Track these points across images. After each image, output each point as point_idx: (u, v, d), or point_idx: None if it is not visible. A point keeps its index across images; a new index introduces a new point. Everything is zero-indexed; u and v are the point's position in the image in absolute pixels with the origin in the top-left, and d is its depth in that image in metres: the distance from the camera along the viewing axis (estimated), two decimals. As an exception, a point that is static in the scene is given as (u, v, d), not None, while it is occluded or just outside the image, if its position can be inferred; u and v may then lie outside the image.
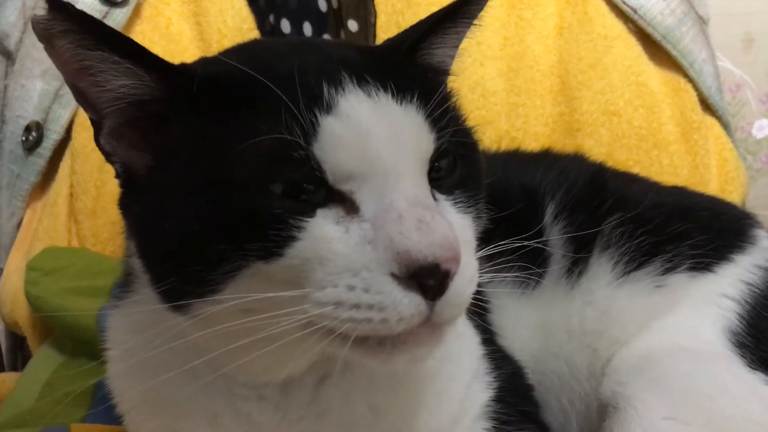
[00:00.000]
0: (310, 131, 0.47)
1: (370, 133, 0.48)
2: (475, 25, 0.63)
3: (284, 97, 0.47)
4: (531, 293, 0.76)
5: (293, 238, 0.47)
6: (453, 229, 0.48)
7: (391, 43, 0.61)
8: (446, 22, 0.60)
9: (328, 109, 0.48)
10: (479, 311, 0.67)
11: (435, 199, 0.52)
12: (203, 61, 0.59)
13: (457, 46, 0.62)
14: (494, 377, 0.66)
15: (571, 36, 1.30)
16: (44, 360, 0.95)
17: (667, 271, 0.75)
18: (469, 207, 0.54)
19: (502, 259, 0.74)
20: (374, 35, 1.26)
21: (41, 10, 0.48)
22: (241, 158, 0.47)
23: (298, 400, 0.58)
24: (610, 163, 0.97)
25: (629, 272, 0.75)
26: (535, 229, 0.75)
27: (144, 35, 1.20)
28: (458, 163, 0.54)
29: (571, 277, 0.76)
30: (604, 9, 1.28)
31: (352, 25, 1.21)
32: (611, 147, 1.22)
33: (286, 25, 1.19)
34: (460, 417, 0.63)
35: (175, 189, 0.50)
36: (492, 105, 1.27)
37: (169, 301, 0.51)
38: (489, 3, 1.25)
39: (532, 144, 1.23)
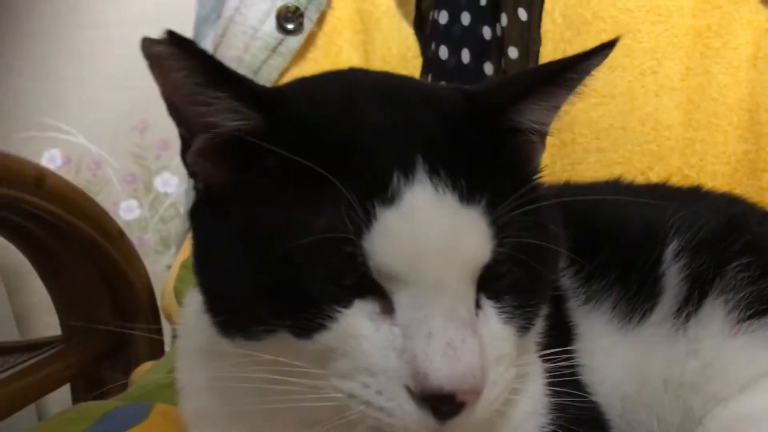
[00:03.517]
0: (365, 223, 0.45)
1: (424, 239, 0.46)
2: (579, 92, 0.56)
3: (347, 186, 0.45)
4: (632, 329, 0.68)
5: (324, 327, 0.46)
6: (482, 354, 0.46)
7: (480, 97, 0.55)
8: (543, 86, 0.54)
9: (391, 200, 0.46)
10: (561, 336, 0.61)
11: (479, 306, 0.49)
12: (300, 95, 0.55)
13: (557, 107, 0.56)
14: (553, 420, 0.59)
15: (766, 67, 1.17)
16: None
17: None
18: (516, 315, 0.50)
19: (602, 283, 0.68)
20: (536, 63, 1.22)
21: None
22: (296, 234, 0.46)
23: None
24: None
25: (745, 320, 0.65)
26: (649, 260, 0.68)
27: (316, 62, 1.27)
28: (515, 269, 0.50)
29: (680, 320, 0.67)
30: (808, 38, 1.14)
31: (512, 53, 1.19)
32: (803, 191, 1.07)
33: (444, 52, 1.20)
34: None
35: (236, 228, 0.50)
36: (665, 139, 1.17)
37: (215, 328, 0.53)
38: (672, 31, 1.21)
39: (708, 183, 1.11)
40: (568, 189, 0.84)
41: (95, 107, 1.80)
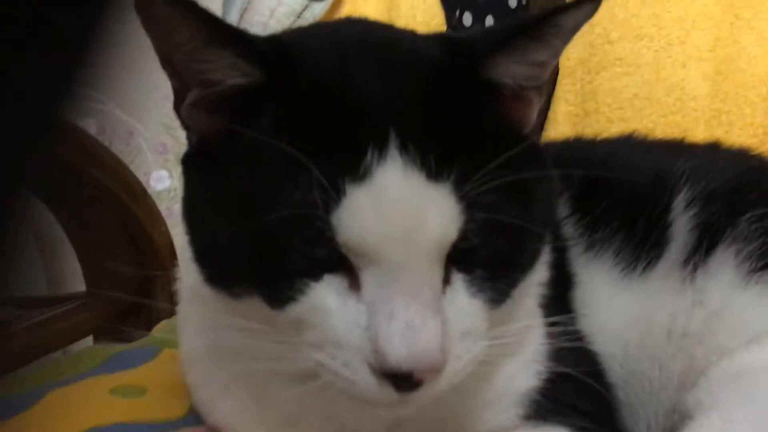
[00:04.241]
0: (334, 198, 0.45)
1: (390, 218, 0.46)
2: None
3: (320, 163, 0.45)
4: (636, 277, 0.66)
5: (294, 299, 0.48)
6: (444, 332, 0.46)
7: (458, 49, 0.53)
8: (517, 39, 0.51)
9: (362, 177, 0.46)
10: (560, 286, 0.61)
11: (449, 281, 0.48)
12: (299, 51, 0.53)
13: (539, 63, 0.52)
14: (549, 367, 0.59)
15: (799, 39, 1.14)
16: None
17: None
18: (487, 288, 0.50)
19: (606, 231, 0.67)
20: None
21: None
22: (270, 199, 0.47)
23: None
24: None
25: (756, 272, 0.63)
26: (657, 208, 0.67)
27: None
28: (488, 244, 0.49)
29: (687, 269, 0.65)
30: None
31: (538, 20, 1.18)
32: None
33: (468, 19, 1.19)
34: (492, 402, 0.59)
35: (222, 186, 0.50)
36: (691, 110, 1.15)
37: (205, 279, 0.53)
38: (701, 2, 1.18)
39: (734, 156, 1.09)
40: (578, 141, 0.83)
41: (128, 78, 1.83)
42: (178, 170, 1.99)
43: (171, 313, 1.20)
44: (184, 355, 0.67)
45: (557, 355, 0.60)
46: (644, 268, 0.66)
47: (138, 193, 1.13)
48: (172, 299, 0.81)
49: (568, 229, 0.68)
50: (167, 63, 0.51)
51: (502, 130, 0.52)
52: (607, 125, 1.18)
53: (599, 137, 0.83)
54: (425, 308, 0.46)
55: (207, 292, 0.54)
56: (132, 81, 1.88)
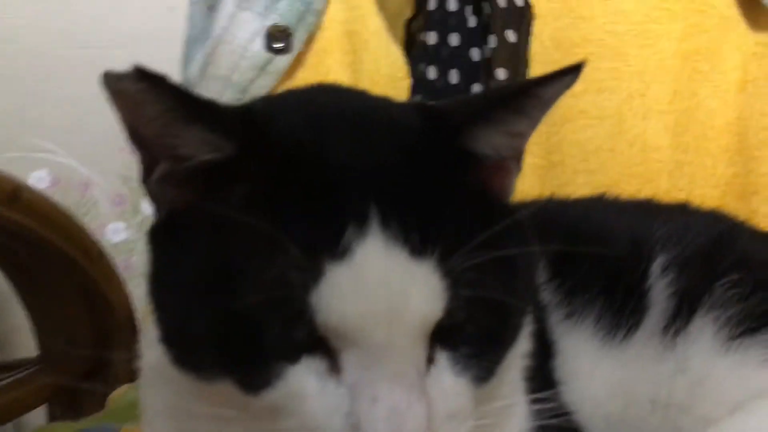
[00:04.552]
0: (312, 277, 0.43)
1: (372, 298, 0.44)
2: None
3: (298, 240, 0.43)
4: (616, 345, 0.66)
5: (269, 384, 0.45)
6: (430, 415, 0.44)
7: (436, 119, 0.52)
8: (497, 111, 0.50)
9: (342, 255, 0.43)
10: (541, 355, 0.59)
11: (432, 360, 0.46)
12: (271, 119, 0.52)
13: (519, 134, 0.52)
14: None
15: (755, 90, 1.17)
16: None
17: None
18: (473, 366, 0.48)
19: (585, 297, 0.66)
20: (525, 84, 1.23)
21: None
22: (244, 279, 0.44)
23: None
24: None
25: (735, 338, 0.63)
26: (634, 274, 0.67)
27: (305, 81, 1.24)
28: (473, 320, 0.47)
29: (668, 336, 0.65)
30: (797, 62, 1.14)
31: (501, 74, 1.18)
32: (794, 215, 1.06)
33: (432, 72, 1.20)
34: None
35: (191, 262, 0.48)
36: (654, 162, 1.17)
37: (169, 358, 0.50)
38: (660, 55, 1.21)
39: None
40: (551, 203, 0.83)
41: (84, 128, 1.79)
42: (135, 221, 1.95)
43: (129, 378, 1.16)
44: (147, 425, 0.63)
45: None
46: (624, 336, 0.66)
47: (95, 255, 1.09)
48: (131, 364, 0.78)
49: (547, 295, 0.67)
50: (135, 137, 0.49)
51: (484, 202, 0.51)
52: (573, 177, 1.18)
53: (571, 197, 0.83)
54: (410, 391, 0.43)
55: (173, 374, 0.50)
56: (88, 131, 1.85)
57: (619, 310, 0.66)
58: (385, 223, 0.44)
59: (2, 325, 1.67)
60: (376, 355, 0.44)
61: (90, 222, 1.67)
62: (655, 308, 0.66)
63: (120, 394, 1.04)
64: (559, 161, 1.21)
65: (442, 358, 0.47)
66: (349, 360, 0.44)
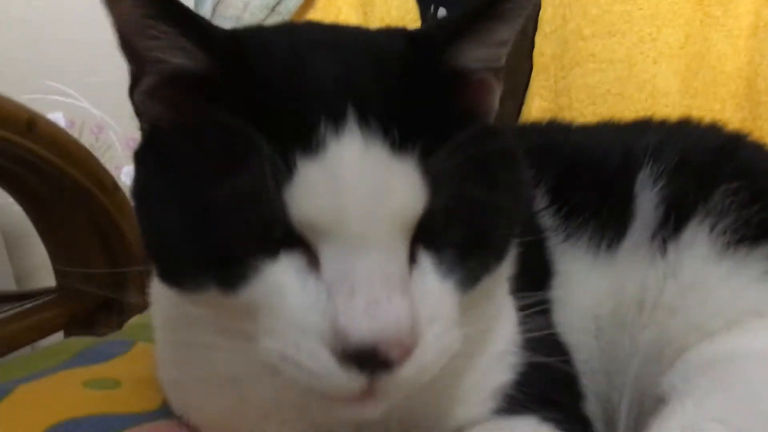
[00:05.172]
0: (284, 173, 0.43)
1: (346, 190, 0.43)
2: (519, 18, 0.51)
3: (271, 138, 0.44)
4: (605, 255, 0.66)
5: (248, 280, 0.45)
6: (411, 312, 0.43)
7: (419, 40, 0.52)
8: (478, 22, 0.50)
9: (316, 150, 0.43)
10: (536, 279, 0.61)
11: (415, 260, 0.46)
12: (251, 42, 0.52)
13: (501, 42, 0.52)
14: (522, 359, 0.58)
15: (766, 36, 1.16)
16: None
17: None
18: (457, 270, 0.47)
19: (580, 218, 0.67)
20: (534, 28, 1.22)
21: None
22: (221, 181, 0.44)
23: None
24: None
25: (731, 245, 0.62)
26: (622, 186, 0.66)
27: None
28: (455, 220, 0.47)
29: (656, 243, 0.65)
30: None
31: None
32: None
33: (443, 13, 1.20)
34: (466, 398, 0.57)
35: (171, 172, 0.48)
36: (662, 106, 1.17)
37: (158, 276, 0.51)
38: (672, 1, 1.20)
39: (703, 150, 1.11)
40: (552, 127, 0.83)
41: (98, 71, 1.80)
42: (149, 165, 1.97)
43: (143, 308, 1.20)
44: (157, 352, 0.66)
45: (531, 344, 0.59)
46: (609, 246, 0.66)
47: (109, 188, 1.11)
48: (144, 294, 0.81)
49: (547, 221, 0.68)
50: (124, 43, 0.50)
51: (466, 113, 0.50)
52: (581, 120, 1.16)
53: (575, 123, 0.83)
54: (390, 285, 0.43)
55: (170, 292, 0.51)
56: (103, 75, 1.86)
57: (606, 221, 0.66)
58: (363, 121, 0.44)
59: (25, 261, 1.72)
60: (353, 249, 0.43)
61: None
62: (641, 217, 0.66)
63: (133, 323, 1.07)
64: (567, 105, 1.22)
65: (426, 261, 0.47)
66: (327, 255, 0.44)
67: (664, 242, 0.64)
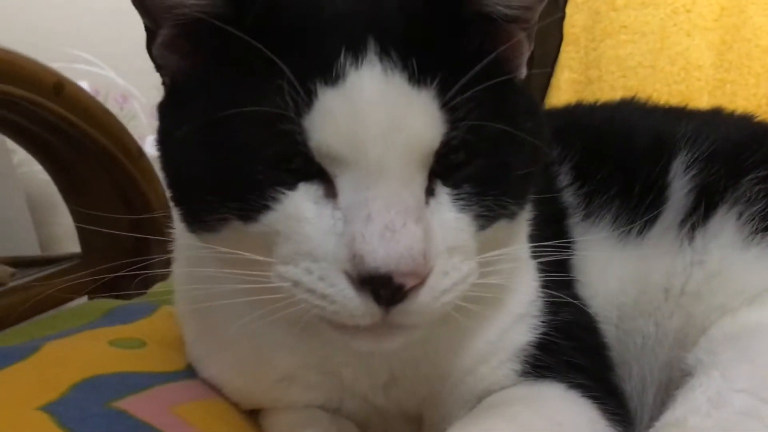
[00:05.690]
0: (305, 101, 0.44)
1: (364, 118, 0.44)
2: None
3: (292, 66, 0.44)
4: (632, 240, 0.66)
5: (268, 208, 0.46)
6: (428, 240, 0.44)
7: None
8: None
9: (335, 80, 0.44)
10: (558, 252, 0.60)
11: (433, 194, 0.47)
12: None
13: None
14: (544, 322, 0.58)
15: (805, 9, 1.13)
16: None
17: None
18: (474, 203, 0.48)
19: (603, 197, 0.67)
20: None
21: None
22: (239, 116, 0.45)
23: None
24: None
25: (758, 233, 0.62)
26: (654, 171, 0.66)
27: None
28: (474, 157, 0.48)
29: (684, 230, 0.65)
30: None
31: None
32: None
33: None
34: (487, 357, 0.58)
35: (192, 115, 0.49)
36: (695, 80, 1.15)
37: (183, 221, 0.53)
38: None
39: (737, 126, 1.09)
40: (579, 108, 0.83)
41: (122, 40, 1.80)
42: (173, 136, 1.98)
43: (166, 275, 1.20)
44: (180, 312, 0.66)
45: (553, 308, 0.59)
46: (640, 231, 0.66)
47: (134, 154, 1.11)
48: (167, 261, 0.81)
49: (569, 198, 0.68)
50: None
51: (493, 62, 0.49)
52: (611, 93, 1.17)
53: (600, 102, 0.83)
54: (406, 212, 0.44)
55: (193, 243, 0.53)
56: (127, 44, 1.86)
57: (636, 206, 0.66)
58: (384, 52, 0.45)
59: (50, 229, 1.74)
60: (370, 176, 0.44)
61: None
62: (673, 203, 0.66)
63: (158, 287, 1.07)
64: (597, 77, 1.19)
65: (444, 194, 0.47)
66: (344, 184, 0.45)
67: (693, 229, 0.64)
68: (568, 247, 0.65)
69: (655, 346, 0.64)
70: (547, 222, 0.62)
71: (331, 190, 0.46)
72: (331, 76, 0.44)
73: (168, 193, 0.54)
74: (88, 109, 1.03)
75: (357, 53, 0.45)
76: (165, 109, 0.54)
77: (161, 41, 0.51)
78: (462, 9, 0.49)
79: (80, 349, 0.63)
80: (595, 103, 0.83)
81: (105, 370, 0.58)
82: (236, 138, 0.46)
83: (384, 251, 0.42)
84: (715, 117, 0.76)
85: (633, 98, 0.80)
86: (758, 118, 0.77)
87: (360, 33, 0.46)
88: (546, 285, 0.60)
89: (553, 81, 1.21)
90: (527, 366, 0.58)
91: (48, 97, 0.94)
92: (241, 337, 0.58)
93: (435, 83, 0.45)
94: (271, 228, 0.46)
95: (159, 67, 0.53)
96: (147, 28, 0.52)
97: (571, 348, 0.58)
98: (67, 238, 1.70)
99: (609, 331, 0.65)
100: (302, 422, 0.59)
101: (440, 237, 0.46)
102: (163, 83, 0.54)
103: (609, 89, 1.18)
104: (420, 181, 0.46)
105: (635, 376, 0.65)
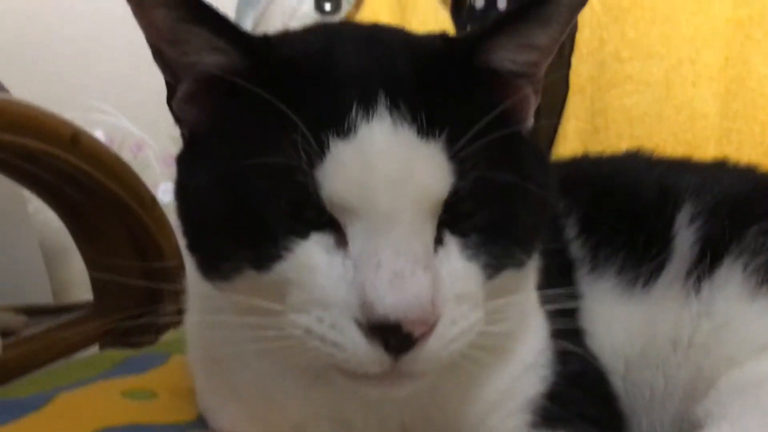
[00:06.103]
0: (317, 153, 0.46)
1: (374, 169, 0.46)
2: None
3: (304, 118, 0.46)
4: (638, 291, 0.66)
5: (281, 257, 0.47)
6: (436, 289, 0.45)
7: (456, 40, 0.54)
8: (514, 22, 0.52)
9: (347, 132, 0.46)
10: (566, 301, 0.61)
11: (442, 242, 0.48)
12: (283, 40, 0.56)
13: (534, 46, 0.53)
14: (554, 372, 0.59)
15: (808, 59, 1.15)
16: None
17: None
18: (482, 253, 0.49)
19: (608, 249, 0.67)
20: (571, 49, 1.22)
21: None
22: (254, 167, 0.47)
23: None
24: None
25: (764, 284, 0.63)
26: (659, 223, 0.67)
27: None
28: (481, 207, 0.49)
29: (691, 281, 0.65)
30: None
31: (548, 37, 1.19)
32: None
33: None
34: (497, 407, 0.58)
35: (209, 165, 0.50)
36: (700, 129, 1.16)
37: (198, 269, 0.53)
38: (713, 21, 1.19)
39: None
40: (585, 160, 0.84)
41: (136, 90, 1.84)
42: (185, 183, 2.00)
43: (178, 323, 1.21)
44: (192, 360, 0.67)
45: (563, 358, 0.60)
46: (645, 283, 0.66)
47: (148, 203, 1.13)
48: (179, 310, 0.82)
49: (575, 251, 0.69)
50: (157, 53, 0.52)
51: (500, 115, 0.50)
52: (617, 142, 1.18)
53: (606, 154, 0.84)
54: (415, 260, 0.45)
55: (207, 291, 0.54)
56: (141, 93, 1.90)
57: (641, 258, 0.66)
58: (394, 105, 0.47)
59: (63, 276, 1.75)
60: (380, 225, 0.45)
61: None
62: (679, 255, 0.66)
63: (169, 335, 1.08)
64: (603, 126, 1.21)
65: (452, 243, 0.48)
66: (355, 233, 0.46)
67: (699, 281, 0.65)
68: (575, 298, 0.66)
69: (665, 399, 0.64)
70: (554, 272, 0.62)
71: (342, 240, 0.47)
72: (343, 129, 0.46)
73: (183, 241, 0.55)
74: (104, 159, 1.05)
75: (368, 107, 0.47)
76: (183, 161, 0.55)
77: (181, 96, 0.53)
78: (471, 64, 0.51)
79: (93, 400, 0.64)
80: (601, 154, 0.84)
81: (117, 422, 0.59)
82: (251, 188, 0.47)
83: (393, 298, 0.43)
84: (720, 169, 0.77)
85: (638, 150, 0.81)
86: (762, 169, 0.78)
87: (371, 87, 0.48)
88: (555, 335, 0.60)
89: (561, 130, 1.23)
90: (538, 417, 0.58)
91: (65, 149, 0.96)
92: (252, 386, 0.58)
93: (443, 135, 0.47)
94: (283, 276, 0.47)
95: (178, 120, 0.55)
96: (167, 83, 0.54)
97: (581, 398, 0.59)
98: (80, 285, 1.71)
99: (616, 383, 0.65)
100: None
101: (448, 285, 0.47)
102: (182, 135, 0.56)
103: (615, 138, 1.19)
104: (429, 230, 0.47)
105: (645, 428, 0.64)
